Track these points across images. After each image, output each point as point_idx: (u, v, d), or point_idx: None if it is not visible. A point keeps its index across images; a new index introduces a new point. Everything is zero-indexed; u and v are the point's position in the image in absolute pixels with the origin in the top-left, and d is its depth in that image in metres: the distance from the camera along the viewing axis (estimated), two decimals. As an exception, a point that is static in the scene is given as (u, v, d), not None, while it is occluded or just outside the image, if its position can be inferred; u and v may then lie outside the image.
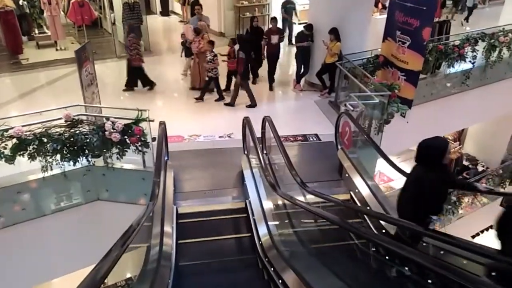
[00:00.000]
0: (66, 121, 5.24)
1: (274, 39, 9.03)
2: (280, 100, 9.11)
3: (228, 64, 8.57)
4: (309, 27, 8.64)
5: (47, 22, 10.97)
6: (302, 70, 9.06)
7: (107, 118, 5.31)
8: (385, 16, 7.99)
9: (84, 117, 5.44)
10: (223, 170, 6.07)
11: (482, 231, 9.94)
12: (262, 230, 4.55)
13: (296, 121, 7.80)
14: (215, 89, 8.62)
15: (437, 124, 8.66)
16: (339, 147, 6.09)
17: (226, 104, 8.40)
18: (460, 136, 13.10)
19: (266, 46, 9.18)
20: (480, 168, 12.17)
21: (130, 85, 8.92)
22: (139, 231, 2.83)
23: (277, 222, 4.63)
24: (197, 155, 6.46)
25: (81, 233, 5.88)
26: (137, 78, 8.88)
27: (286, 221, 4.81)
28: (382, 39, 7.76)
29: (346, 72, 7.66)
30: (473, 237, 9.87)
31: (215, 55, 8.28)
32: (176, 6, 15.84)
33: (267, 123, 5.61)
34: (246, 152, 6.06)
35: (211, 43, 8.44)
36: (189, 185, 5.80)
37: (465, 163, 12.47)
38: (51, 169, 5.36)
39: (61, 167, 5.38)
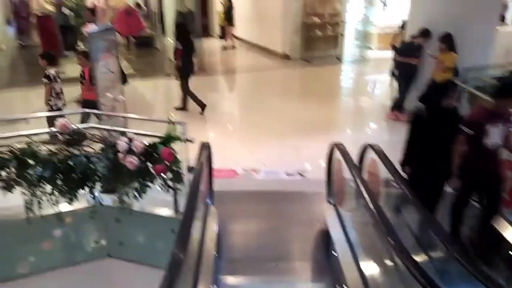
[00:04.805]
0: (61, 135, 3.44)
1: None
2: (371, 132, 6.92)
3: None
4: (424, 33, 6.45)
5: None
6: (404, 94, 6.88)
7: (122, 133, 3.43)
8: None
9: (93, 131, 3.65)
10: (294, 227, 3.92)
11: None
12: None
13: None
14: None
15: None
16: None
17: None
18: None
19: None
20: None
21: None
22: None
23: None
24: (255, 199, 4.39)
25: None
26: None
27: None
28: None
29: (477, 93, 5.34)
30: None
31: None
32: (237, 30, 14.45)
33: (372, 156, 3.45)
34: (332, 200, 3.88)
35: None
36: (241, 249, 3.69)
37: None
38: (40, 207, 3.53)
39: (53, 204, 3.53)
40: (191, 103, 7.32)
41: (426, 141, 3.53)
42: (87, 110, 4.92)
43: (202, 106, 7.22)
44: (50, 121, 5.19)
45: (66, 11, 9.65)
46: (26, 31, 11.02)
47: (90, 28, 6.30)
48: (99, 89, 4.29)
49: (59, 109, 5.50)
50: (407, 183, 3.13)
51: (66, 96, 5.76)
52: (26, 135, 3.45)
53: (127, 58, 10.86)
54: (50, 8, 9.48)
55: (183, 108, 7.29)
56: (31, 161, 3.37)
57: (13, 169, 3.34)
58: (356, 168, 3.23)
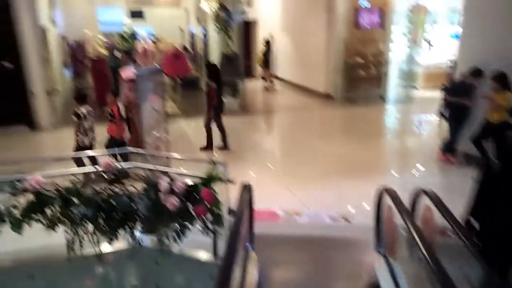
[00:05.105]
0: (105, 173, 3.46)
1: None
2: (421, 176, 6.53)
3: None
4: (476, 73, 6.21)
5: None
6: (455, 135, 6.55)
7: (164, 173, 3.40)
8: None
9: (136, 170, 3.65)
10: (339, 279, 3.65)
11: None
12: None
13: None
14: None
15: None
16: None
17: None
18: None
19: None
20: None
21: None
22: None
23: None
24: (297, 245, 4.16)
25: None
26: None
27: None
28: None
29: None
30: None
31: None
32: (279, 71, 14.69)
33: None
34: (381, 250, 3.60)
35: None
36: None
37: None
38: (81, 246, 3.52)
39: (94, 244, 3.51)
40: (237, 143, 7.32)
41: (500, 195, 3.17)
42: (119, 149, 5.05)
43: (210, 145, 7.24)
44: (77, 160, 5.38)
45: (117, 54, 10.19)
46: (81, 73, 11.74)
47: (126, 71, 6.55)
48: (144, 128, 4.35)
49: (85, 146, 5.72)
50: (470, 235, 2.83)
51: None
52: (72, 174, 3.51)
53: (173, 98, 11.23)
54: (104, 51, 10.06)
55: (225, 147, 7.30)
56: (75, 200, 3.41)
57: (57, 208, 3.39)
58: (410, 215, 2.98)
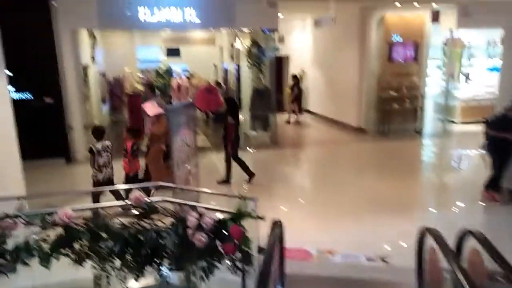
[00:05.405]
0: (135, 208, 3.41)
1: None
2: (463, 214, 6.15)
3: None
4: None
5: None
6: (499, 171, 6.16)
7: (193, 208, 3.31)
8: None
9: (165, 204, 3.59)
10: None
11: None
12: None
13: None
14: None
15: None
16: None
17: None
18: None
19: None
20: None
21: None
22: None
23: None
24: (332, 287, 3.91)
25: None
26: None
27: None
28: None
29: None
30: None
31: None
32: (310, 105, 14.67)
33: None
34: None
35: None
36: None
37: None
38: (108, 282, 3.44)
39: (121, 280, 3.43)
40: (263, 177, 7.22)
41: None
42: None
43: (228, 178, 7.26)
44: (94, 196, 5.43)
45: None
46: (118, 108, 12.13)
47: (149, 105, 6.69)
48: (174, 162, 4.33)
49: (98, 182, 5.76)
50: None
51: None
52: (101, 208, 3.49)
53: (204, 132, 11.35)
54: (140, 87, 10.37)
55: (250, 178, 7.25)
56: (103, 235, 3.37)
57: (86, 242, 3.35)
58: (456, 257, 2.73)
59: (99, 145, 5.76)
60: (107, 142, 5.88)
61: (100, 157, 5.74)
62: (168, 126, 5.02)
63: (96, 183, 5.78)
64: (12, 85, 8.33)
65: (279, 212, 5.99)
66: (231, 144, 7.20)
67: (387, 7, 10.09)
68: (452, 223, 5.45)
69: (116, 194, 5.40)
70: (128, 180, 6.18)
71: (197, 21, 8.87)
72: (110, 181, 5.85)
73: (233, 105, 7.37)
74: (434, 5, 10.22)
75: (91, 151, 5.78)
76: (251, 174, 7.33)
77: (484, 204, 6.26)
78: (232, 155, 7.29)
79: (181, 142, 4.93)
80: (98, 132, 5.97)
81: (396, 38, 10.63)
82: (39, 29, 8.30)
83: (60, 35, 8.41)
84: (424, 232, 3.23)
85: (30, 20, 8.20)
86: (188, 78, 12.97)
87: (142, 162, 6.50)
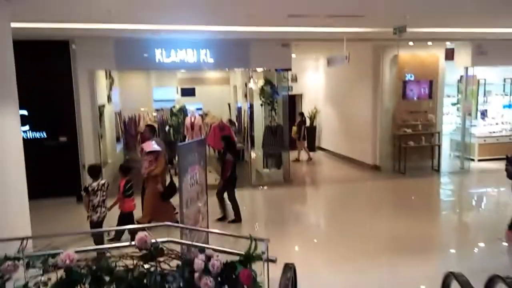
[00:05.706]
0: (139, 250, 3.27)
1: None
2: (486, 255, 5.84)
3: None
4: None
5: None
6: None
7: (202, 250, 3.15)
8: None
9: (169, 245, 3.44)
10: None
11: None
12: None
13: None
14: None
15: None
16: None
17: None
18: None
19: None
20: None
21: None
22: None
23: None
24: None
25: None
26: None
27: None
28: None
29: None
30: None
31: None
32: (323, 142, 14.56)
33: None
34: None
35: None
36: None
37: None
38: (109, 329, 3.25)
39: (124, 326, 3.23)
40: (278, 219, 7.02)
41: None
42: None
43: (239, 218, 7.12)
44: (96, 237, 5.31)
45: (166, 128, 10.61)
46: (132, 147, 12.21)
47: (147, 145, 6.71)
48: (183, 200, 4.22)
49: (93, 222, 5.65)
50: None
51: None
52: (104, 249, 3.36)
53: (217, 169, 11.27)
54: (155, 126, 10.41)
55: (237, 219, 7.15)
56: (106, 278, 3.22)
57: (87, 286, 3.20)
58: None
59: (94, 184, 5.68)
60: (103, 181, 5.80)
61: (95, 196, 5.64)
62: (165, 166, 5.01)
63: (92, 224, 5.67)
64: (29, 124, 8.50)
65: (292, 252, 5.76)
66: (224, 181, 7.11)
67: (400, 45, 10.16)
68: (476, 265, 5.16)
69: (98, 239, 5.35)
70: (122, 218, 6.07)
71: (212, 61, 9.05)
72: (102, 223, 5.77)
73: (229, 143, 7.35)
74: (448, 43, 10.24)
75: (85, 190, 5.68)
76: (238, 219, 7.15)
77: (507, 245, 5.92)
78: (228, 195, 7.20)
79: (191, 181, 4.83)
80: (93, 171, 5.90)
81: (409, 77, 10.60)
82: (58, 70, 8.54)
83: (78, 76, 8.63)
84: (448, 276, 3.00)
85: (50, 62, 8.45)
86: (202, 116, 13.08)
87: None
